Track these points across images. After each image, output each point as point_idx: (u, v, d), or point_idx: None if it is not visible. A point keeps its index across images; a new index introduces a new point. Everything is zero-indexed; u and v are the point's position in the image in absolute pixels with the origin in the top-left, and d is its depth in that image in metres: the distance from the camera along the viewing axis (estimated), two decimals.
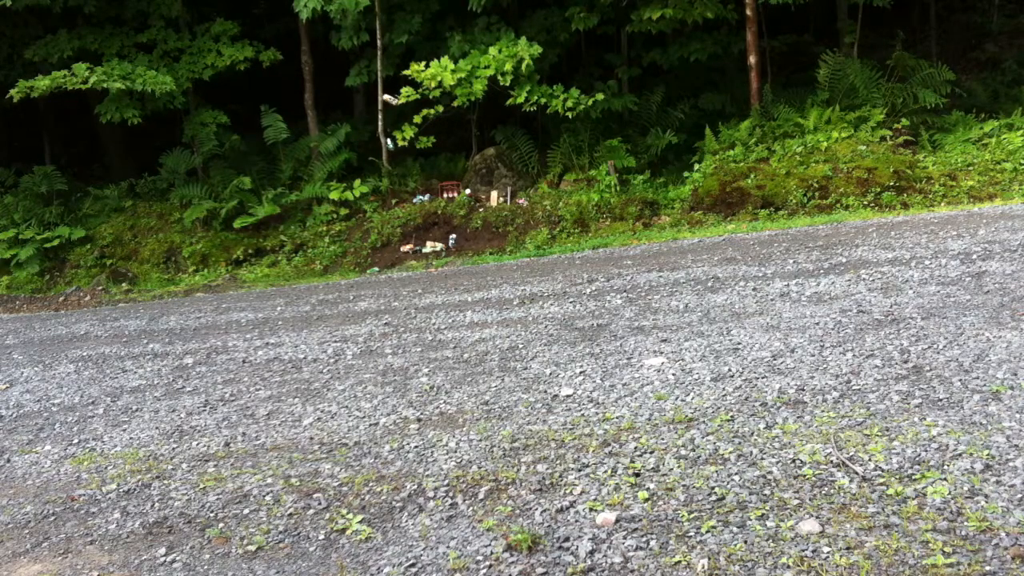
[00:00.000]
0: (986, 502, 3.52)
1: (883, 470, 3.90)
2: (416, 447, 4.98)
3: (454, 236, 14.22)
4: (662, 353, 6.21)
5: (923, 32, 17.80)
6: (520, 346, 7.00)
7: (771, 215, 12.60)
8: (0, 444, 6.05)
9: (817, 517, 3.57)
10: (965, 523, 3.39)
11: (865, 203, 12.24)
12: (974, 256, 7.86)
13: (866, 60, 14.63)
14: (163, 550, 4.07)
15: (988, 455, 3.90)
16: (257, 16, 18.92)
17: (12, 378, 8.11)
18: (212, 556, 3.97)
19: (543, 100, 14.05)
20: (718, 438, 4.50)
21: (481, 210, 14.59)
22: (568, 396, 5.56)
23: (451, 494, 4.26)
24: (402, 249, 14.23)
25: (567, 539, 3.65)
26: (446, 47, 14.73)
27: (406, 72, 14.35)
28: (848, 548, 3.32)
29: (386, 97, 15.19)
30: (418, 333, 8.02)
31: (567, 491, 4.12)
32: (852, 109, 13.94)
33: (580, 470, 4.33)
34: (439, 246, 14.13)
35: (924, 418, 4.42)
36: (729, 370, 5.60)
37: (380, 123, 15.54)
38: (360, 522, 4.09)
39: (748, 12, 14.22)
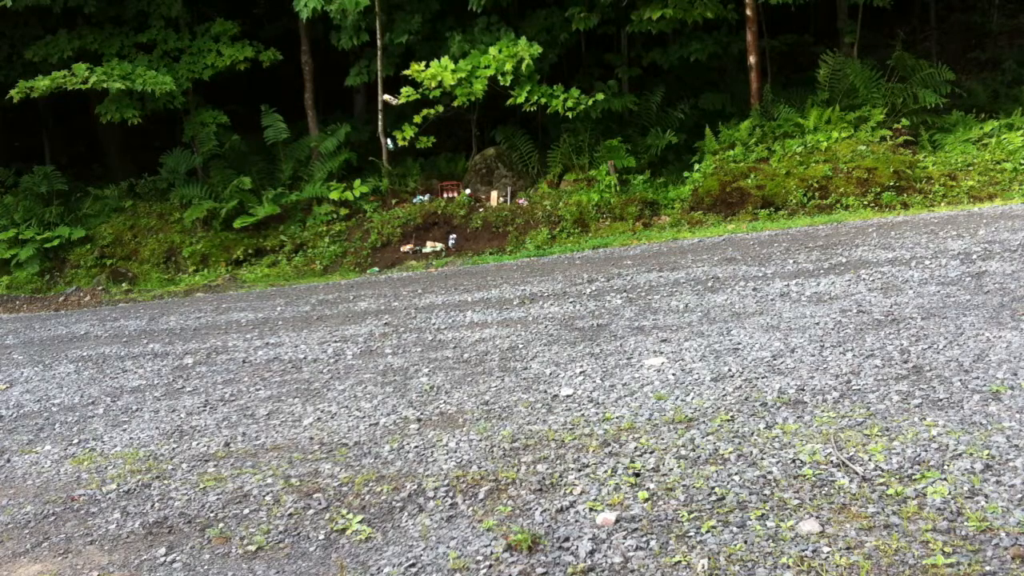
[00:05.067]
0: (986, 502, 3.52)
1: (883, 470, 3.90)
2: (416, 447, 4.98)
3: (454, 236, 14.22)
4: (662, 353, 6.21)
5: (923, 32, 17.80)
6: (520, 346, 7.00)
7: (771, 215, 12.60)
8: (0, 444, 6.05)
9: (817, 517, 3.57)
10: (965, 523, 3.39)
11: (865, 203, 12.24)
12: (974, 256, 7.86)
13: (866, 60, 14.63)
14: (163, 550, 4.07)
15: (988, 455, 3.90)
16: (257, 16, 18.92)
17: (12, 378, 8.11)
18: (212, 556, 3.97)
19: (543, 100, 14.05)
20: (718, 438, 4.50)
21: (481, 210, 14.59)
22: (568, 396, 5.56)
23: (451, 494, 4.26)
24: (402, 249, 14.23)
25: (567, 539, 3.65)
26: (446, 47, 14.73)
27: (406, 72, 14.35)
28: (848, 548, 3.32)
29: (386, 97, 15.19)
30: (418, 333, 8.02)
31: (567, 491, 4.12)
32: (852, 109, 13.94)
33: (580, 470, 4.33)
34: (439, 246, 14.13)
35: (924, 418, 4.42)
36: (729, 370, 5.60)
37: (380, 123, 15.54)
38: (360, 522, 4.09)
39: (748, 12, 14.22)
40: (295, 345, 8.14)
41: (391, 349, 7.54)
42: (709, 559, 3.35)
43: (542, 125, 16.29)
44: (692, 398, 5.19)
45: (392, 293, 10.49)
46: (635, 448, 4.51)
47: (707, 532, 3.56)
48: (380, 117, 15.50)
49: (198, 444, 5.57)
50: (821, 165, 12.87)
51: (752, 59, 14.41)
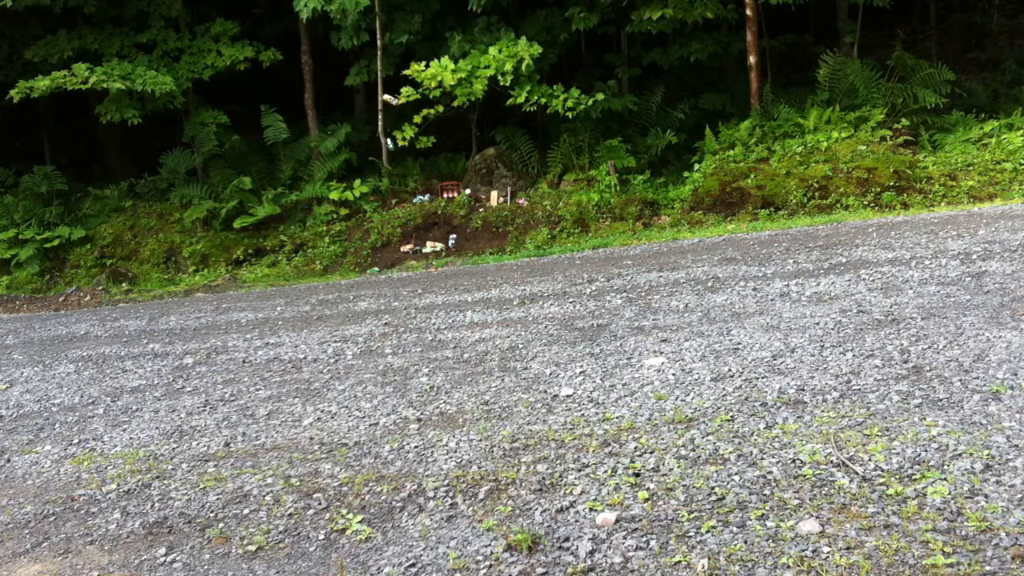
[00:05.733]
0: (986, 502, 3.52)
1: (883, 470, 3.90)
2: (416, 447, 4.98)
3: (454, 236, 14.22)
4: (662, 353, 6.21)
5: (923, 32, 17.81)
6: (520, 346, 7.00)
7: (771, 215, 12.60)
8: (0, 444, 6.05)
9: (817, 517, 3.57)
10: (965, 523, 3.39)
11: (865, 203, 12.24)
12: (974, 256, 7.86)
13: (866, 60, 14.63)
14: (163, 550, 4.07)
15: (988, 455, 3.90)
16: (257, 16, 18.92)
17: (12, 378, 8.11)
18: (212, 556, 3.97)
19: (543, 100, 14.05)
20: (718, 438, 4.50)
21: (481, 210, 14.59)
22: (568, 396, 5.56)
23: (451, 494, 4.26)
24: (402, 249, 14.23)
25: (567, 539, 3.65)
26: (446, 47, 14.73)
27: (406, 72, 14.36)
28: (848, 548, 3.32)
29: (386, 97, 15.19)
30: (418, 333, 8.02)
31: (567, 491, 4.12)
32: (852, 109, 13.94)
33: (580, 470, 4.33)
34: (439, 246, 14.13)
35: (924, 418, 4.42)
36: (729, 370, 5.60)
37: (380, 123, 15.54)
38: (360, 522, 4.09)
39: (748, 12, 14.22)
40: (295, 345, 8.14)
41: (391, 349, 7.54)
42: (709, 559, 3.35)
43: (542, 125, 16.28)
44: (692, 398, 5.19)
45: (392, 293, 10.49)
46: (635, 448, 4.51)
47: (707, 532, 3.56)
48: (380, 117, 15.50)
49: (198, 444, 5.57)
50: (821, 165, 12.87)
51: (752, 59, 14.41)
